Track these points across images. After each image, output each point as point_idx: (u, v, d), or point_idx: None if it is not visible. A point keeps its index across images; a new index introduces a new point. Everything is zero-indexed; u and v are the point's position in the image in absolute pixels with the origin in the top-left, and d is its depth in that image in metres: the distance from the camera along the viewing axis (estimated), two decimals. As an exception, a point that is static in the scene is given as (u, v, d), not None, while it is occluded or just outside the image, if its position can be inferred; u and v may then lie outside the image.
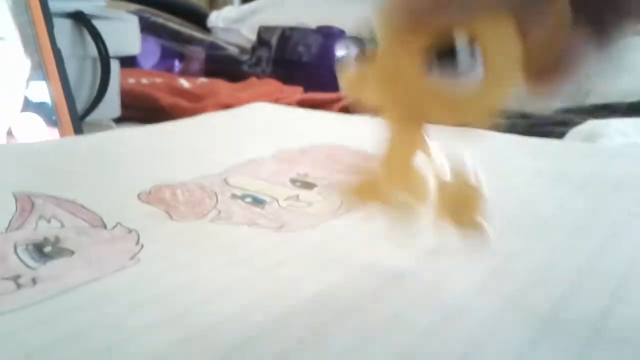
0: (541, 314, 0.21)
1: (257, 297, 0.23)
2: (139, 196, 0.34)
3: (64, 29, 0.57)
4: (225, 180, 0.37)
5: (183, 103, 0.73)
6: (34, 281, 0.23)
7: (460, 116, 0.20)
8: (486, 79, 0.19)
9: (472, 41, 0.19)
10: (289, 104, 0.80)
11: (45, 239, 0.27)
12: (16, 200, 0.32)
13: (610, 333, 0.21)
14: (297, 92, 0.84)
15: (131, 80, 0.79)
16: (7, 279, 0.24)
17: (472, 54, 0.19)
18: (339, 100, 0.80)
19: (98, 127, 0.60)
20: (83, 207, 0.32)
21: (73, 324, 0.21)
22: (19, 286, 0.23)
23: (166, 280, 0.24)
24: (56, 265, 0.25)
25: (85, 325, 0.21)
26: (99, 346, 0.19)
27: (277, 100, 0.76)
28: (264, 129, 0.53)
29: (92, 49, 0.60)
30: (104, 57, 0.61)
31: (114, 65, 0.62)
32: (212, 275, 0.25)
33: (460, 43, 0.19)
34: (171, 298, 0.23)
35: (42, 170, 0.38)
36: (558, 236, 0.29)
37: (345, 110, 0.81)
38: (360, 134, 0.50)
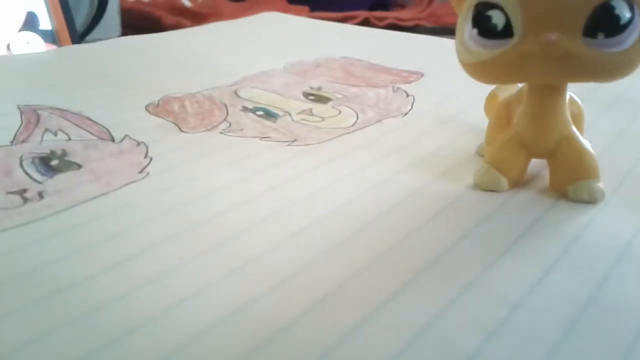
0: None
1: (270, 212, 0.22)
2: (146, 108, 0.33)
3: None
4: (236, 92, 0.36)
5: (185, 22, 0.71)
6: (40, 195, 0.23)
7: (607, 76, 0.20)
8: None
9: None
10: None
11: (52, 152, 0.27)
12: (21, 112, 0.31)
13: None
14: (303, 11, 0.80)
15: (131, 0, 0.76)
16: (13, 192, 0.23)
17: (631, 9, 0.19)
18: (347, 19, 0.77)
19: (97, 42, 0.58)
20: (89, 119, 0.31)
21: (81, 239, 0.20)
22: (25, 200, 0.22)
23: (176, 194, 0.23)
24: (63, 179, 0.24)
25: (93, 239, 0.20)
26: (107, 262, 0.19)
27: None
28: (275, 40, 0.51)
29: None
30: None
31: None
32: (223, 190, 0.24)
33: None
34: (181, 212, 0.22)
35: (47, 82, 0.37)
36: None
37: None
38: (375, 48, 0.48)
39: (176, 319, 0.16)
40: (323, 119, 0.32)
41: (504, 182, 0.24)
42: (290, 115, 0.32)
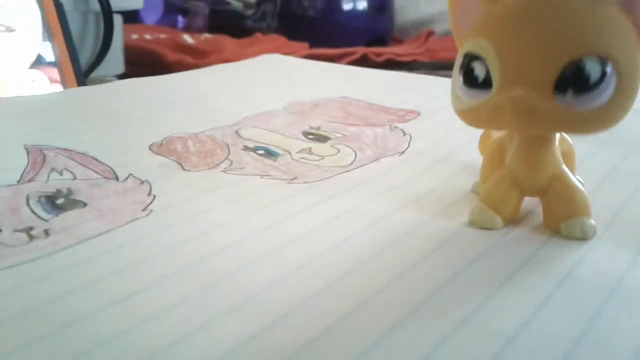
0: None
1: (271, 248, 0.23)
2: (150, 147, 0.34)
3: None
4: (237, 132, 0.36)
5: (188, 59, 0.72)
6: (46, 233, 0.23)
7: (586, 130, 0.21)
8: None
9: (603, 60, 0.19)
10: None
11: (58, 191, 0.27)
12: (28, 152, 0.32)
13: None
14: (303, 47, 0.82)
15: (134, 36, 0.78)
16: (19, 230, 0.24)
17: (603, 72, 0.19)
18: (346, 55, 0.79)
19: (102, 83, 0.59)
20: (95, 159, 0.32)
21: (86, 275, 0.21)
22: (31, 238, 0.23)
23: (178, 231, 0.24)
24: (69, 217, 0.25)
25: (97, 276, 0.21)
26: (112, 297, 0.19)
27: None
28: (275, 81, 0.52)
29: (95, 4, 0.59)
30: (107, 12, 0.60)
31: (117, 20, 0.61)
32: (225, 226, 0.24)
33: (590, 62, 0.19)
34: (184, 249, 0.23)
35: (52, 122, 0.38)
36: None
37: (353, 64, 0.80)
38: (372, 87, 0.50)
39: (179, 354, 0.17)
40: (322, 157, 0.33)
41: (498, 220, 0.24)
42: (290, 154, 0.33)
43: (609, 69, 0.19)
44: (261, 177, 0.30)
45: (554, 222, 0.24)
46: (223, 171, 0.30)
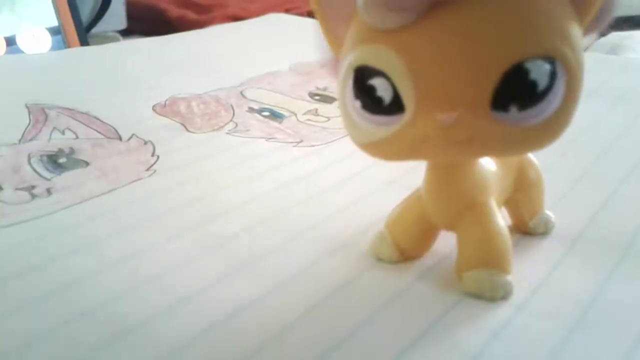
0: (570, 233, 0.21)
1: (274, 212, 0.22)
2: (153, 108, 0.33)
3: None
4: (242, 93, 0.36)
5: (190, 15, 0.71)
6: (48, 192, 0.23)
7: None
8: None
9: None
10: (300, 14, 0.77)
11: (60, 150, 0.27)
12: (29, 111, 0.32)
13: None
14: (308, 1, 0.80)
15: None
16: (21, 189, 0.23)
17: None
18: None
19: (104, 39, 0.58)
20: (97, 118, 0.31)
21: (88, 234, 0.20)
22: (33, 196, 0.23)
23: (181, 192, 0.24)
24: (71, 176, 0.24)
25: (100, 235, 0.20)
26: (114, 257, 0.19)
27: (287, 11, 0.73)
28: (280, 41, 0.51)
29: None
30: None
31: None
32: (228, 189, 0.24)
33: None
34: (187, 210, 0.22)
35: (55, 82, 0.37)
36: (589, 154, 0.27)
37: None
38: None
39: (181, 316, 0.16)
40: (328, 119, 0.32)
41: (391, 252, 0.19)
42: (296, 115, 0.32)
43: (559, 70, 0.14)
44: (266, 140, 0.29)
45: (459, 268, 0.18)
46: (227, 133, 0.30)
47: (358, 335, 0.16)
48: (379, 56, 0.15)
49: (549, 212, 0.21)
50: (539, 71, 0.14)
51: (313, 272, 0.19)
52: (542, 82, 0.14)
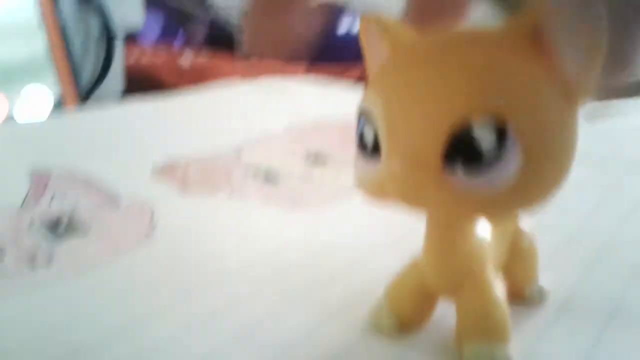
0: (556, 298, 0.21)
1: (272, 274, 0.23)
2: (151, 172, 0.34)
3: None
4: (238, 157, 0.37)
5: (186, 82, 0.73)
6: (49, 260, 0.23)
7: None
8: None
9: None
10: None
11: (59, 218, 0.27)
12: (30, 177, 0.32)
13: (627, 316, 0.20)
14: (300, 68, 0.83)
15: (133, 59, 0.78)
16: (22, 257, 0.24)
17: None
18: (344, 72, 0.79)
19: (103, 107, 0.59)
20: (96, 184, 0.32)
21: (90, 304, 0.21)
22: (34, 266, 0.23)
23: (180, 258, 0.24)
24: (71, 244, 0.25)
25: (102, 304, 0.21)
26: (117, 325, 0.19)
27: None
28: (275, 104, 0.52)
29: (95, 26, 0.60)
30: (109, 34, 0.60)
31: (117, 44, 0.62)
32: (226, 254, 0.24)
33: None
34: (187, 275, 0.23)
35: (54, 147, 0.38)
36: (574, 217, 0.28)
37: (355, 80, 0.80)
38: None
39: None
40: (323, 182, 0.33)
41: (391, 324, 0.19)
42: (291, 179, 0.33)
43: (509, 138, 0.13)
44: (262, 205, 0.30)
45: (459, 340, 0.18)
46: (224, 198, 0.30)
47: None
48: (368, 101, 0.15)
49: (542, 283, 0.21)
50: (483, 134, 0.13)
51: (311, 342, 0.19)
52: (487, 147, 0.13)
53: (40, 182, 0.31)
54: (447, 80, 0.14)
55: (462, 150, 0.14)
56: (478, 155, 0.14)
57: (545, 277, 0.21)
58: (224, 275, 0.23)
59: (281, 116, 0.47)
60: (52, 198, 0.30)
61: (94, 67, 0.61)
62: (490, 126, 0.13)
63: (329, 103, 0.52)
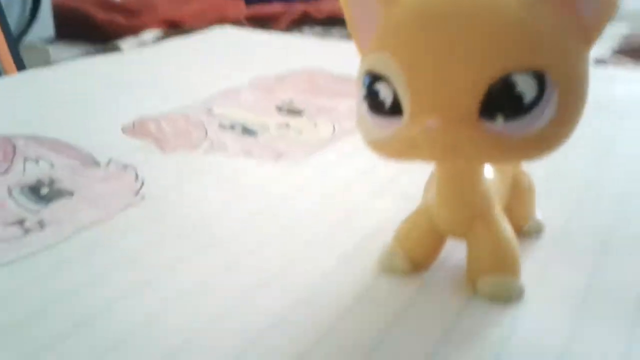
0: (552, 229, 0.22)
1: (273, 234, 0.23)
2: (123, 130, 0.33)
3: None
4: (209, 110, 0.36)
5: (119, 19, 0.70)
6: (40, 224, 0.23)
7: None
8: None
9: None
10: (237, 19, 0.77)
11: (39, 181, 0.26)
12: (-6, 142, 0.31)
13: (620, 241, 0.22)
14: (240, 5, 0.80)
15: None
16: (11, 224, 0.23)
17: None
18: (285, 13, 0.78)
19: (35, 50, 0.56)
20: (68, 145, 0.30)
21: (91, 266, 0.20)
22: (26, 231, 0.22)
23: (176, 216, 0.24)
24: (59, 207, 0.24)
25: (104, 265, 0.20)
26: (121, 285, 0.19)
27: (222, 17, 0.73)
28: (235, 56, 0.51)
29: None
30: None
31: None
32: (221, 211, 0.24)
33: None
34: (183, 239, 0.22)
35: (13, 109, 0.36)
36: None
37: (293, 23, 0.79)
38: (334, 58, 0.49)
39: (184, 348, 0.17)
40: (301, 132, 0.33)
41: (404, 265, 0.20)
42: (268, 130, 0.33)
43: (548, 86, 0.15)
44: (245, 158, 0.29)
45: (472, 276, 0.19)
46: (205, 152, 0.30)
47: (386, 342, 0.17)
48: (383, 63, 0.16)
49: (539, 217, 0.22)
50: (525, 84, 0.14)
51: (325, 288, 0.19)
52: (529, 95, 0.15)
53: (7, 147, 0.30)
54: (481, 36, 0.15)
55: (502, 100, 0.15)
56: (520, 103, 0.15)
57: (539, 212, 0.22)
58: (224, 235, 0.23)
59: (242, 68, 0.46)
60: (25, 162, 0.28)
61: (22, 8, 0.58)
62: (531, 75, 0.14)
63: (289, 55, 0.51)
